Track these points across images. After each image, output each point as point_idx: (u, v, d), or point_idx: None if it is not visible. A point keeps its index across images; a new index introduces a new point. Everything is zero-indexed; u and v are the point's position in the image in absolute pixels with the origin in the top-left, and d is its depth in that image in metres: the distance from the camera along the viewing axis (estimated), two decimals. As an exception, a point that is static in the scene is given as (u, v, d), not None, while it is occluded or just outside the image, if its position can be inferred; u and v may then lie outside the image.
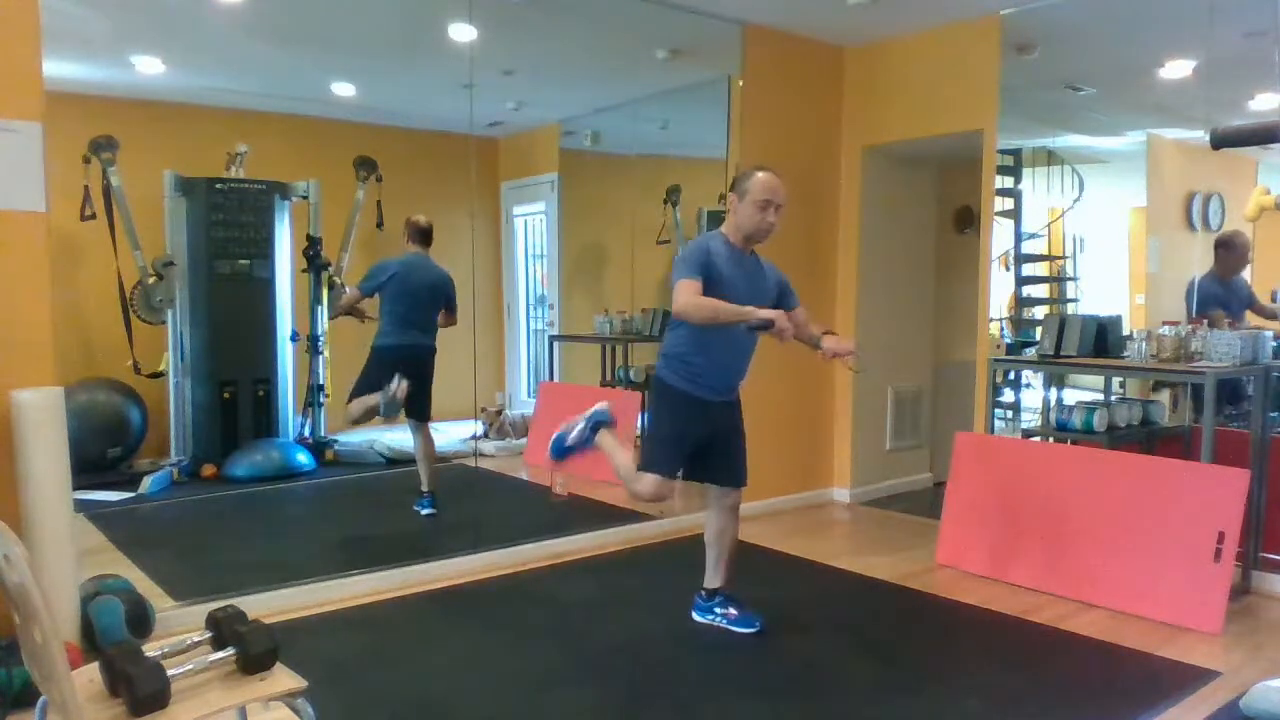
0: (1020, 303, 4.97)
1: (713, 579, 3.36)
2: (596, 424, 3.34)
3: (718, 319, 2.94)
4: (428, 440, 4.72)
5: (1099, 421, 4.13)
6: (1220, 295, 4.20)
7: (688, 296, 2.95)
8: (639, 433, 4.35)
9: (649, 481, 3.19)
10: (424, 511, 4.70)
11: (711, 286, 3.01)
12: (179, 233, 5.13)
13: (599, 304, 5.90)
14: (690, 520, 4.43)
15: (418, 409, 4.66)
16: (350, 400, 4.65)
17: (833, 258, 5.51)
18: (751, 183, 3.10)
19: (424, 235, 4.72)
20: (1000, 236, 4.81)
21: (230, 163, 5.22)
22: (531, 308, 6.42)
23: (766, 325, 2.91)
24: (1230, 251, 4.21)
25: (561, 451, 3.40)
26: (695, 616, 3.37)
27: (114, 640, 2.93)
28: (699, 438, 3.21)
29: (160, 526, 4.59)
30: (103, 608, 3.06)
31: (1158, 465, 3.83)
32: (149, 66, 4.66)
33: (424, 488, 4.73)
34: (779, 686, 2.98)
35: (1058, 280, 5.08)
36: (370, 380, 4.59)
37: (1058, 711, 2.80)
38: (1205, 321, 4.00)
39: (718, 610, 3.32)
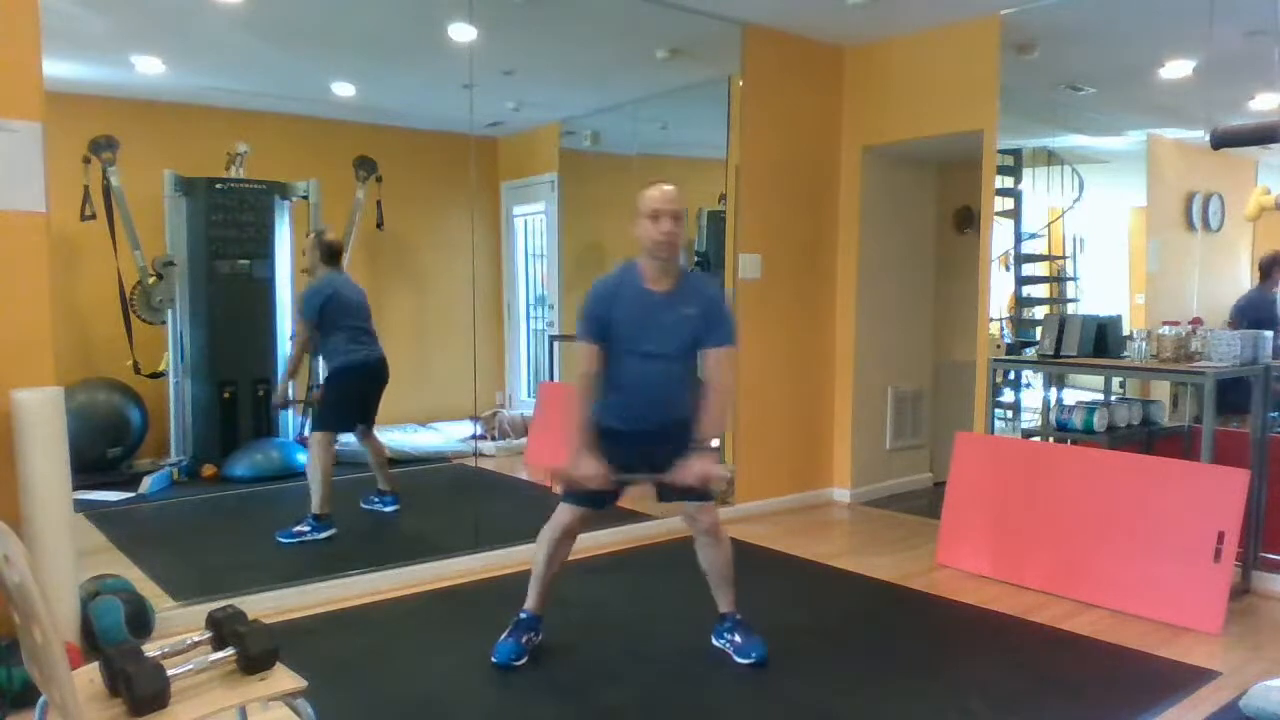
0: (1020, 303, 4.97)
1: (719, 603, 3.27)
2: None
3: (570, 419, 2.90)
4: (378, 444, 4.76)
5: (1099, 421, 4.13)
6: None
7: (578, 372, 2.92)
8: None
9: (557, 511, 3.13)
10: (388, 509, 4.76)
11: (609, 328, 2.94)
12: (179, 233, 5.13)
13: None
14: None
15: (371, 418, 4.66)
16: (322, 428, 4.44)
17: (833, 258, 5.51)
18: (640, 199, 2.92)
19: (338, 254, 4.61)
20: (1000, 236, 4.81)
21: (230, 163, 5.21)
22: (531, 308, 6.42)
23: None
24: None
25: None
26: (712, 639, 3.31)
27: (114, 640, 2.93)
28: (616, 468, 3.02)
29: (160, 526, 4.59)
30: (103, 608, 3.06)
31: (1158, 465, 3.82)
32: (149, 66, 4.66)
33: (383, 487, 4.78)
34: (779, 687, 2.98)
35: (1058, 280, 5.08)
36: (350, 400, 4.52)
37: (1058, 711, 2.80)
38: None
39: (725, 636, 3.27)
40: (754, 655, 3.14)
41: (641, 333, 2.94)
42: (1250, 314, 4.15)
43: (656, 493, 3.14)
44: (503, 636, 3.16)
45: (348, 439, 4.67)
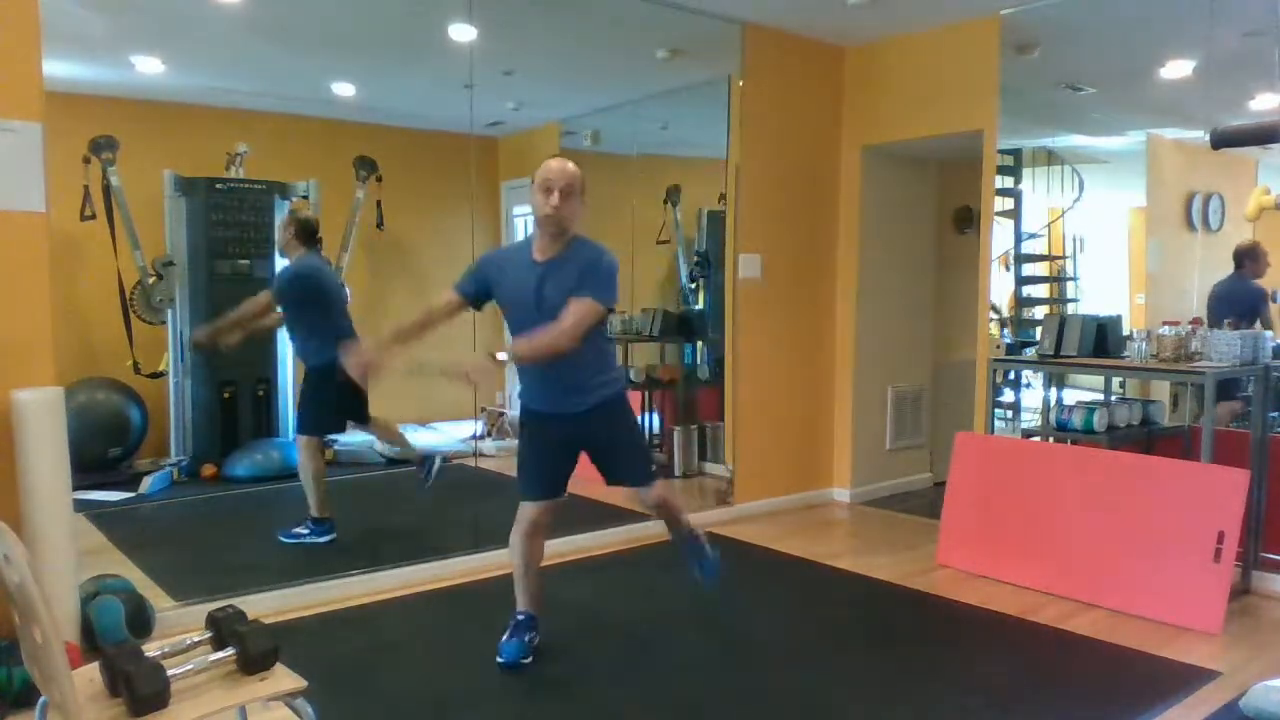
0: (1020, 303, 4.97)
1: (674, 537, 3.42)
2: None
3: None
4: (383, 423, 4.65)
5: (1099, 421, 4.13)
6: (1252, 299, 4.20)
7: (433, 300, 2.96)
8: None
9: (519, 510, 3.13)
10: (427, 481, 4.58)
11: (488, 293, 2.99)
12: (179, 233, 5.12)
13: (599, 304, 5.89)
14: (692, 520, 4.41)
15: (363, 415, 4.52)
16: (305, 431, 4.35)
17: (833, 258, 5.51)
18: (537, 171, 2.87)
19: (313, 234, 4.32)
20: (1000, 236, 4.81)
21: (230, 163, 5.21)
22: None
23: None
24: (1255, 260, 4.18)
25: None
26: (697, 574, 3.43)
27: (114, 640, 2.93)
28: (552, 454, 3.05)
29: (160, 526, 4.58)
30: (103, 608, 3.06)
31: (1158, 465, 3.83)
32: (149, 66, 4.66)
33: (411, 456, 4.65)
34: (779, 686, 2.98)
35: (1058, 280, 5.08)
36: (330, 403, 4.34)
37: (1058, 711, 2.80)
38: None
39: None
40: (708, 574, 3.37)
41: (524, 309, 2.92)
42: (1228, 303, 4.16)
43: (604, 476, 3.17)
44: (505, 637, 3.16)
45: (361, 436, 4.62)
